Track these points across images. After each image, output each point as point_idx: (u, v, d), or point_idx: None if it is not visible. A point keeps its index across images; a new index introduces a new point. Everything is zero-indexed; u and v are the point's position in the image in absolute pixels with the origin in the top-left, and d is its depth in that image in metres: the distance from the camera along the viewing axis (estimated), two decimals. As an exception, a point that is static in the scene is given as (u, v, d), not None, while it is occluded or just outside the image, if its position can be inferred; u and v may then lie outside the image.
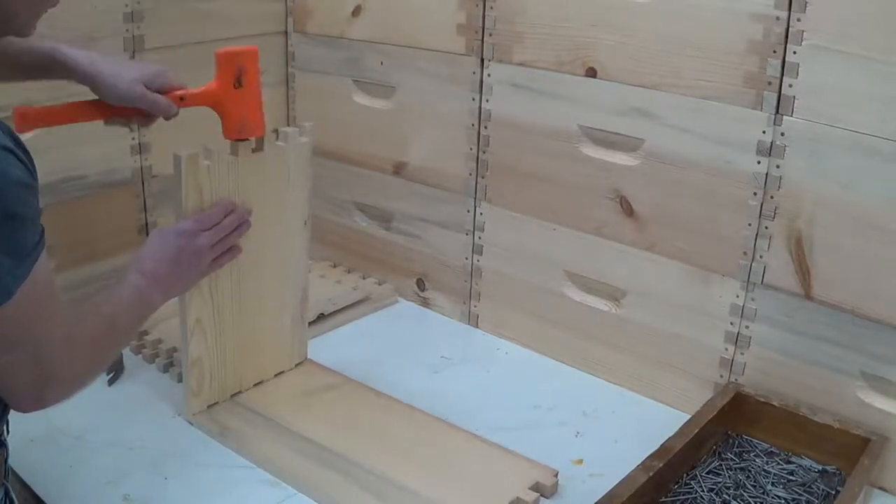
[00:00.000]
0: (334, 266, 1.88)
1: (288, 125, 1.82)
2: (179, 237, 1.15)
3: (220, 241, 1.20)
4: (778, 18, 1.19)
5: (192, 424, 1.31)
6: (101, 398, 1.31)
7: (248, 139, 1.25)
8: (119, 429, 1.28)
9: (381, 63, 1.69)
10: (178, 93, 1.18)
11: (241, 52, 1.21)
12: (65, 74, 1.14)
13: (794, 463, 1.24)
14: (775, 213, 1.26)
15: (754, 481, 1.19)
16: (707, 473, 1.21)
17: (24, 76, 1.16)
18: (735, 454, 1.26)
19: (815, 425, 1.24)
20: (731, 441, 1.29)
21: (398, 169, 1.72)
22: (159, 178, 1.64)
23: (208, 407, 1.33)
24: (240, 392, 1.37)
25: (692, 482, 1.19)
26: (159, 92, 1.15)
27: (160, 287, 1.11)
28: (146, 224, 1.66)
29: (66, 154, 1.50)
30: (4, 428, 0.98)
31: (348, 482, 1.18)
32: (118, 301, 1.05)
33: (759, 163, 1.25)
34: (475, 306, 1.68)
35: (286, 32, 1.84)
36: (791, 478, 1.21)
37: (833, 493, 1.17)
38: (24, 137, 0.86)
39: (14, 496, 1.00)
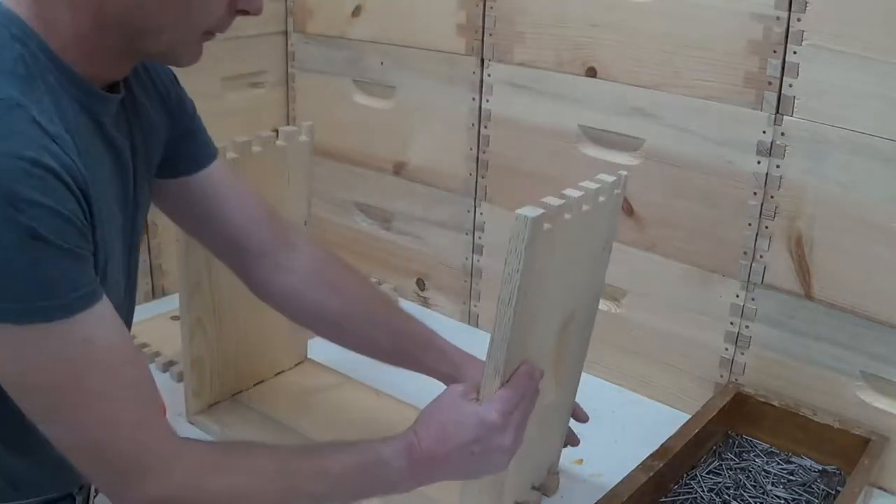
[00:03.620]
0: (334, 266, 1.88)
1: (288, 125, 1.82)
2: (482, 427, 0.89)
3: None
4: (778, 18, 1.19)
5: (192, 424, 1.31)
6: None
7: None
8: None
9: (381, 63, 1.69)
10: None
11: None
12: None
13: (794, 463, 1.24)
14: (775, 213, 1.26)
15: (754, 481, 1.20)
16: (707, 473, 1.21)
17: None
18: (735, 454, 1.26)
19: (815, 425, 1.24)
20: (731, 441, 1.29)
21: (398, 169, 1.72)
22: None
23: (209, 406, 1.33)
24: (240, 392, 1.37)
25: (692, 482, 1.19)
26: None
27: (424, 473, 0.90)
28: (146, 224, 1.66)
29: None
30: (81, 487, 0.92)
31: (348, 482, 1.18)
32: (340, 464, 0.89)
33: (759, 163, 1.25)
34: (475, 306, 1.68)
35: (286, 32, 1.84)
36: (791, 478, 1.21)
37: (833, 493, 1.17)
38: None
39: None
